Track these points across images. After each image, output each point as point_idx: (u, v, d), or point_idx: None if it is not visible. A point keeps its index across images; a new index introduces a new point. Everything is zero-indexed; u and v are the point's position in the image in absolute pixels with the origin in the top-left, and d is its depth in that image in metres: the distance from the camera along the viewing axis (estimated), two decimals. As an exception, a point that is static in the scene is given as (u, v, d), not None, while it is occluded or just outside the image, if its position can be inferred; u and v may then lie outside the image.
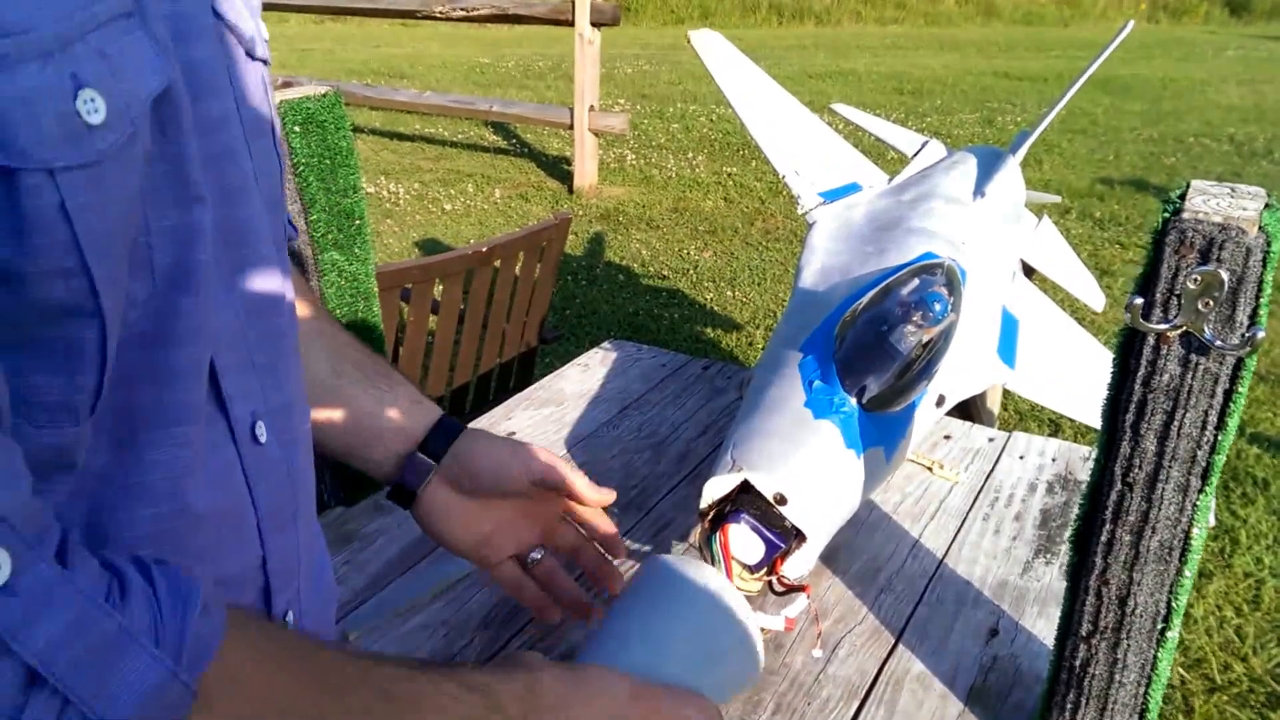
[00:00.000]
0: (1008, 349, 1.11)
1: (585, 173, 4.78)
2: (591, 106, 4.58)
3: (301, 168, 0.93)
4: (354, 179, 0.98)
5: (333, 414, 0.64)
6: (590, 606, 0.72)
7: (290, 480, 0.45)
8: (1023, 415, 2.59)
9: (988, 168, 1.32)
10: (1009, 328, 1.14)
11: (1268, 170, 5.25)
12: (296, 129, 0.91)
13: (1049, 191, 4.16)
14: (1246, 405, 2.70)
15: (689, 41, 1.50)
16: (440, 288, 1.64)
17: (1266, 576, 1.99)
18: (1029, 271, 1.57)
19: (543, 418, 1.15)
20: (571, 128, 4.66)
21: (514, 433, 1.11)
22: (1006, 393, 2.44)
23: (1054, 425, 2.53)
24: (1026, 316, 1.18)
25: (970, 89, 7.53)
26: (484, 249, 1.65)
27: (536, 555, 0.70)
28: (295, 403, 0.47)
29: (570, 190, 4.82)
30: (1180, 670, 1.74)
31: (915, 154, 1.48)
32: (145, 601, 0.30)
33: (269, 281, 0.44)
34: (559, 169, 5.21)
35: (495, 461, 0.66)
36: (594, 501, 0.69)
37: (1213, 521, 2.19)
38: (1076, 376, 1.14)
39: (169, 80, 0.34)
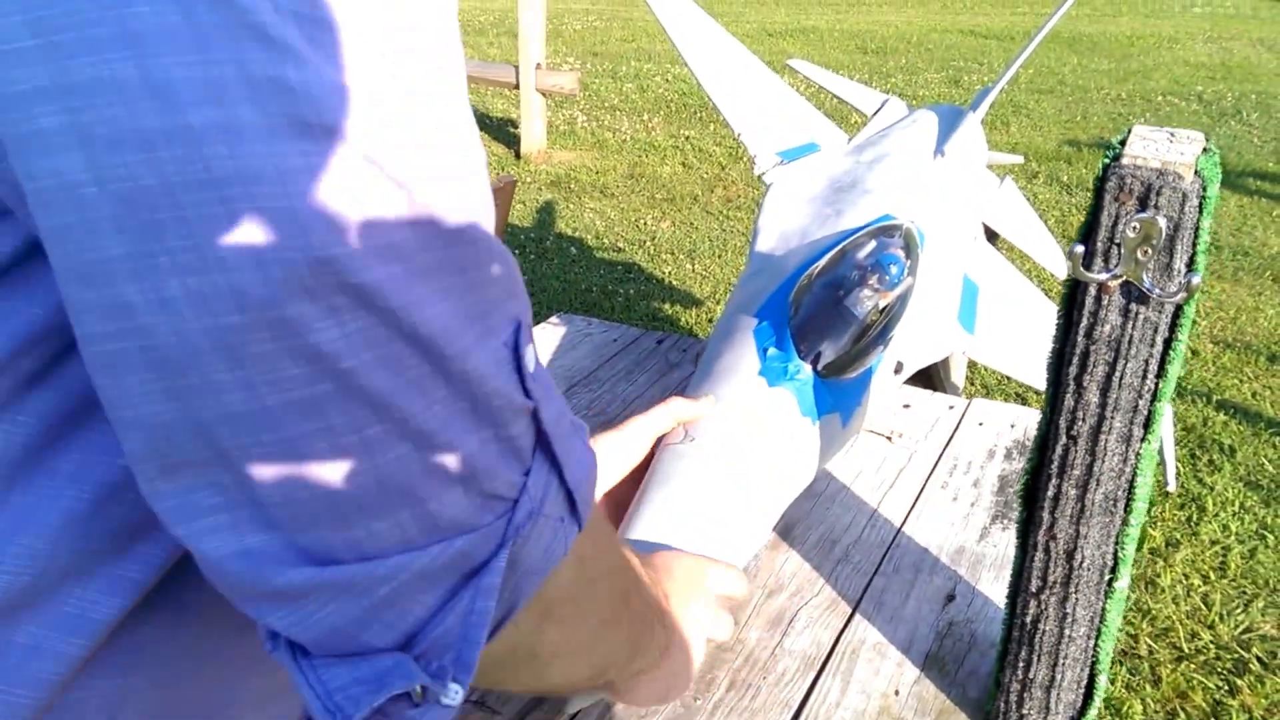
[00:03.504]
0: (968, 315, 1.14)
1: (533, 136, 4.75)
2: (538, 64, 4.54)
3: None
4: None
5: None
6: None
7: None
8: (989, 388, 2.66)
9: (948, 126, 1.35)
10: (969, 293, 1.17)
11: (1237, 130, 5.41)
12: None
13: (1017, 154, 4.24)
14: (1213, 373, 2.80)
15: None
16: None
17: (1233, 543, 2.07)
18: (991, 236, 1.61)
19: (487, 393, 1.15)
20: (517, 87, 4.61)
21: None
22: (972, 365, 2.50)
23: (1020, 399, 2.60)
24: (987, 282, 1.22)
25: (935, 47, 7.62)
26: (423, 217, 1.64)
27: None
28: None
29: (517, 155, 4.79)
30: (1148, 640, 1.82)
31: (875, 113, 1.51)
32: None
33: None
34: (505, 132, 5.16)
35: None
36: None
37: (1173, 486, 2.25)
38: (1038, 344, 1.18)
39: None
